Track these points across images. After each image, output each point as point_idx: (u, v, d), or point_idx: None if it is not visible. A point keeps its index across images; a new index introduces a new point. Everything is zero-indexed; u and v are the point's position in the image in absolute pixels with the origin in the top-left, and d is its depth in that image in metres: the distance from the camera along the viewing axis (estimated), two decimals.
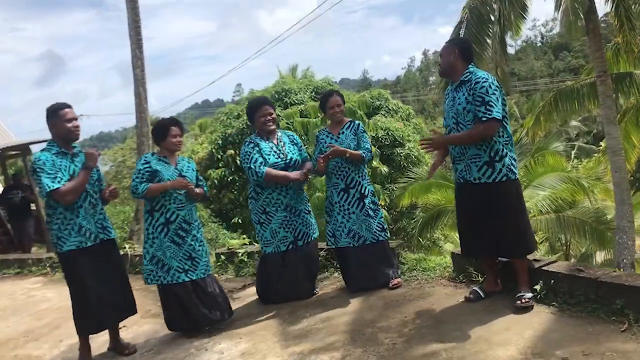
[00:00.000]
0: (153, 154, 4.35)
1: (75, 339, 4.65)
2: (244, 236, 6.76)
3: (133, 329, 4.77)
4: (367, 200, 4.61)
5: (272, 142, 4.59)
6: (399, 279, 4.63)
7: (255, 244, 6.23)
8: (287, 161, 4.54)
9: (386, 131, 16.81)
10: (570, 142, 30.44)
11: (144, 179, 4.14)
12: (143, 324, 4.90)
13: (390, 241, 4.82)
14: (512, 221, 3.78)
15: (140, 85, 11.31)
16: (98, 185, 4.08)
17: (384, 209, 9.24)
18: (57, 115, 3.85)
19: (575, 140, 32.14)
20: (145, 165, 4.19)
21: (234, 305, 4.91)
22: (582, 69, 19.24)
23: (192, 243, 4.26)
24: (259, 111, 4.59)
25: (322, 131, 4.84)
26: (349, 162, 4.55)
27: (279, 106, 16.90)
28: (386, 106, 18.79)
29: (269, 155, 4.50)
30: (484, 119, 3.63)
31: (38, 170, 3.71)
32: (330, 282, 5.08)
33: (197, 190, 4.29)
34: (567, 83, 15.60)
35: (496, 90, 3.69)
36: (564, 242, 14.11)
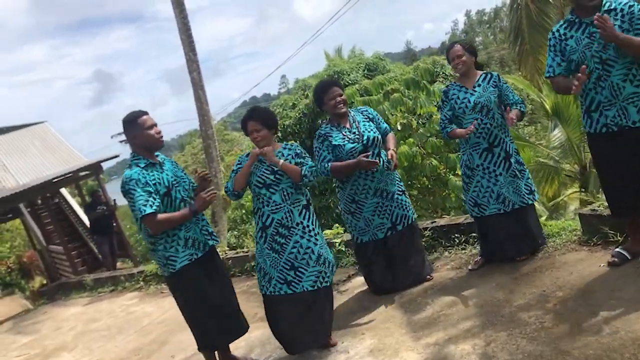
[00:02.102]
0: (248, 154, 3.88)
1: (187, 353, 4.53)
2: (337, 225, 6.44)
3: (244, 337, 4.56)
4: (512, 160, 4.13)
5: (344, 126, 4.21)
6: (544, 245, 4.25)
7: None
8: (365, 142, 4.12)
9: None
10: None
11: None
12: (253, 330, 4.68)
13: None
14: None
15: (199, 88, 11.27)
16: (192, 190, 3.74)
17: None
18: (136, 124, 3.52)
19: None
20: (238, 165, 3.87)
21: (342, 299, 4.65)
22: None
23: (293, 251, 3.66)
24: (327, 94, 4.21)
25: (452, 85, 4.29)
26: (492, 116, 4.07)
27: None
28: (443, 72, 18.10)
29: (343, 142, 4.13)
30: None
31: (131, 190, 3.36)
32: (442, 263, 4.71)
33: (282, 162, 3.69)
34: None
35: None
36: None
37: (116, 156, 13.38)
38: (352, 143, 4.11)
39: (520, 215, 4.15)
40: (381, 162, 4.13)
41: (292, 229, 3.67)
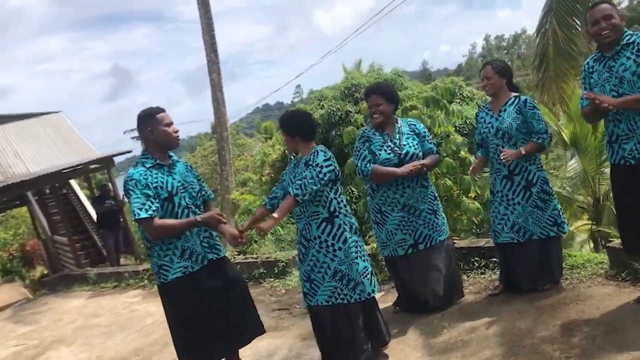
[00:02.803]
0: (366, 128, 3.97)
1: None
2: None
3: (250, 346, 4.43)
4: (534, 189, 3.98)
5: (386, 134, 4.11)
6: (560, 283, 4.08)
7: (370, 243, 5.79)
8: (402, 156, 4.01)
9: (464, 119, 16.05)
10: None
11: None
12: (259, 339, 4.56)
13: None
14: None
15: (218, 89, 11.22)
16: (200, 198, 3.50)
17: (474, 200, 8.63)
18: (154, 119, 3.31)
19: None
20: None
21: None
22: None
23: (310, 264, 3.53)
24: (367, 102, 4.16)
25: (483, 108, 4.21)
26: (513, 144, 3.95)
27: (349, 102, 16.50)
28: (460, 93, 18.00)
29: (380, 150, 4.03)
30: None
31: (130, 191, 3.20)
32: (466, 286, 4.55)
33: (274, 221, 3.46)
34: None
35: None
36: None
37: (129, 151, 13.34)
38: (388, 154, 4.01)
39: (540, 246, 4.00)
40: (416, 177, 4.04)
41: (310, 242, 3.54)
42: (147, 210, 3.12)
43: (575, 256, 4.38)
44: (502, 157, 3.85)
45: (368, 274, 3.55)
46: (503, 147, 3.95)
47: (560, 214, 4.04)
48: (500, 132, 3.98)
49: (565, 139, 11.56)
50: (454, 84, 18.31)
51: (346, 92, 17.50)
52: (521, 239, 4.00)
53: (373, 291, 3.56)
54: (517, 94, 4.09)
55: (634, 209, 3.37)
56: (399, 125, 4.15)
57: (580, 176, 10.79)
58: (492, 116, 4.07)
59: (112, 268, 9.31)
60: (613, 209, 6.36)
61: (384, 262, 4.78)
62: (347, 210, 3.58)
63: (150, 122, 3.33)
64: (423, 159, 4.06)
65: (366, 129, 4.21)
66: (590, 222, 10.69)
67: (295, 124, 3.66)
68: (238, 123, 44.70)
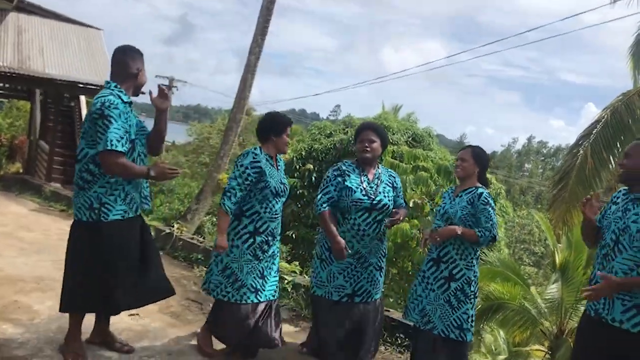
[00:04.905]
0: (261, 149, 3.67)
1: None
2: (296, 263, 6.04)
3: (144, 322, 4.18)
4: (453, 285, 3.67)
5: (366, 175, 3.88)
6: None
7: (305, 276, 5.54)
8: (375, 203, 3.79)
9: None
10: None
11: (251, 181, 3.53)
12: (157, 320, 4.31)
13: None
14: None
15: (250, 72, 11.05)
16: (146, 142, 3.33)
17: None
18: (141, 60, 3.25)
19: None
20: (254, 164, 3.55)
21: None
22: None
23: (270, 260, 3.65)
24: (360, 134, 3.93)
25: (448, 191, 4.02)
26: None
27: None
28: None
29: (356, 189, 3.79)
30: None
31: (111, 118, 2.97)
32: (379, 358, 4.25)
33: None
34: None
35: None
36: None
37: (145, 93, 13.15)
38: (363, 195, 3.78)
39: (441, 343, 3.66)
40: (380, 228, 3.84)
41: (275, 239, 3.68)
42: (123, 145, 3.02)
43: None
44: (433, 235, 3.63)
45: (259, 281, 3.58)
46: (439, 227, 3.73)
47: (469, 320, 3.66)
48: (445, 215, 3.74)
49: (556, 261, 11.31)
50: None
51: None
52: (423, 326, 3.70)
53: (259, 301, 3.58)
54: (480, 186, 3.76)
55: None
56: (379, 171, 3.95)
57: (555, 303, 10.51)
58: (449, 197, 3.85)
59: (69, 192, 9.07)
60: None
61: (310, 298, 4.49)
62: (270, 217, 3.59)
63: (140, 62, 3.24)
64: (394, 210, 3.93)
65: (346, 162, 3.98)
66: (546, 350, 10.43)
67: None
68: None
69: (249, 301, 3.56)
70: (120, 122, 3.02)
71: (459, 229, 3.56)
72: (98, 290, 3.18)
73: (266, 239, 3.59)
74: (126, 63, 3.21)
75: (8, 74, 11.57)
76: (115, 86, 3.17)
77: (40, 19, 13.84)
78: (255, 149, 3.65)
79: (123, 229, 3.19)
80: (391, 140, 16.93)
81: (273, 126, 3.68)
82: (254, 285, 3.57)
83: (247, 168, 3.51)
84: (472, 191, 3.72)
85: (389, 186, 3.93)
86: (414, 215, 10.53)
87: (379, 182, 3.89)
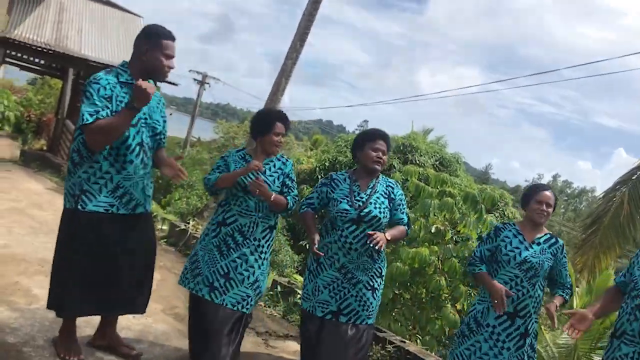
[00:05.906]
0: (242, 149, 3.51)
1: None
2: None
3: (145, 322, 3.94)
4: (527, 341, 3.37)
5: (357, 185, 3.52)
6: None
7: None
8: (363, 214, 3.40)
9: (488, 233, 15.46)
10: None
11: (221, 171, 3.41)
12: (159, 321, 4.08)
13: None
14: None
15: (285, 76, 10.87)
16: (156, 142, 3.11)
17: (457, 312, 8.08)
18: (158, 43, 2.89)
19: None
20: (224, 157, 3.47)
21: (260, 351, 3.98)
22: None
23: (238, 261, 3.25)
24: (372, 142, 3.55)
25: (509, 226, 3.60)
26: (532, 283, 3.36)
27: (397, 158, 16.13)
28: (502, 210, 17.38)
29: (342, 200, 3.45)
30: None
31: (87, 94, 2.76)
32: None
33: (274, 195, 3.28)
34: None
35: None
36: None
37: (175, 84, 13.14)
38: (349, 205, 3.44)
39: None
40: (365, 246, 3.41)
41: (247, 241, 3.31)
42: (94, 116, 2.73)
43: None
44: (507, 291, 3.30)
45: (219, 279, 3.25)
46: (522, 280, 3.33)
47: None
48: (528, 264, 3.35)
49: (574, 307, 10.91)
50: (502, 197, 17.78)
51: (401, 147, 17.13)
52: None
53: (213, 300, 3.22)
54: (553, 234, 3.52)
55: None
56: (375, 182, 3.58)
57: (568, 349, 10.12)
58: (522, 242, 3.44)
59: None
60: None
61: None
62: (240, 212, 3.31)
63: (152, 42, 2.91)
64: (389, 225, 3.50)
65: (341, 173, 3.67)
66: None
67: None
68: (296, 122, 44.57)
69: (200, 294, 3.24)
70: (98, 98, 2.75)
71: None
72: (88, 290, 2.92)
73: (232, 232, 3.28)
74: (138, 43, 2.96)
75: (45, 50, 11.55)
76: (123, 65, 2.96)
77: (83, 1, 13.88)
78: (231, 150, 3.57)
79: (103, 223, 2.89)
80: (417, 161, 16.62)
81: (256, 127, 3.47)
82: (210, 279, 3.25)
83: (218, 166, 3.46)
84: (553, 242, 3.46)
85: (384, 197, 3.54)
86: (434, 241, 10.20)
87: (373, 192, 3.52)
